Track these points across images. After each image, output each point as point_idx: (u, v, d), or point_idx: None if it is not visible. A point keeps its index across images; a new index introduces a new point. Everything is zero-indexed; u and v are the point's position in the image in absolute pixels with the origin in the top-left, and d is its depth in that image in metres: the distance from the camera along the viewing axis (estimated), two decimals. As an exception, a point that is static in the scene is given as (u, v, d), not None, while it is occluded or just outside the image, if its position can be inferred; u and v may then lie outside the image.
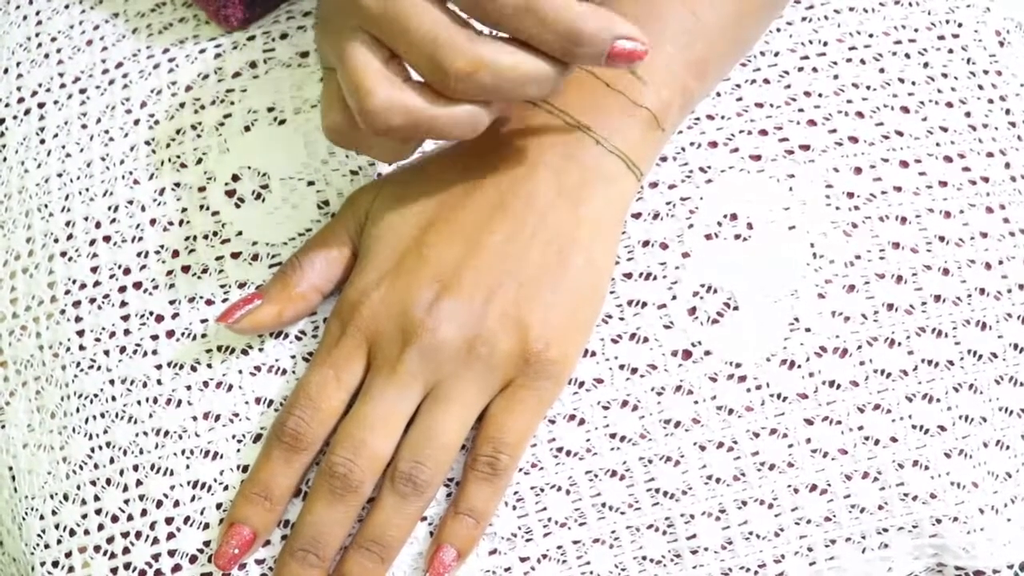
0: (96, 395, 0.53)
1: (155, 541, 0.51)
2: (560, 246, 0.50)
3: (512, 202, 0.50)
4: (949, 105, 0.57)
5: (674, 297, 0.52)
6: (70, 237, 0.56)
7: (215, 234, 0.54)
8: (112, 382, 0.53)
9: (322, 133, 0.55)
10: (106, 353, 0.53)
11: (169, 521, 0.51)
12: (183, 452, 0.51)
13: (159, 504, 0.51)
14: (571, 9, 0.45)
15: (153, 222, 0.55)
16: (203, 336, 0.53)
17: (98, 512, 0.52)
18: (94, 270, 0.55)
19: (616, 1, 0.53)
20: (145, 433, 0.52)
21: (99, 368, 0.53)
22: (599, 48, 0.45)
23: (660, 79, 0.52)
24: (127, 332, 0.53)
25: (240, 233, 0.54)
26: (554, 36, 0.45)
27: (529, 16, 0.45)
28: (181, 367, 0.52)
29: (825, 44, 0.58)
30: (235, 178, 0.55)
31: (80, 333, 0.54)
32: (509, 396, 0.50)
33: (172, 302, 0.53)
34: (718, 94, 0.56)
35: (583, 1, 0.45)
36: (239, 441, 0.51)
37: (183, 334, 0.53)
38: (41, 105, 0.60)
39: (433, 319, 0.49)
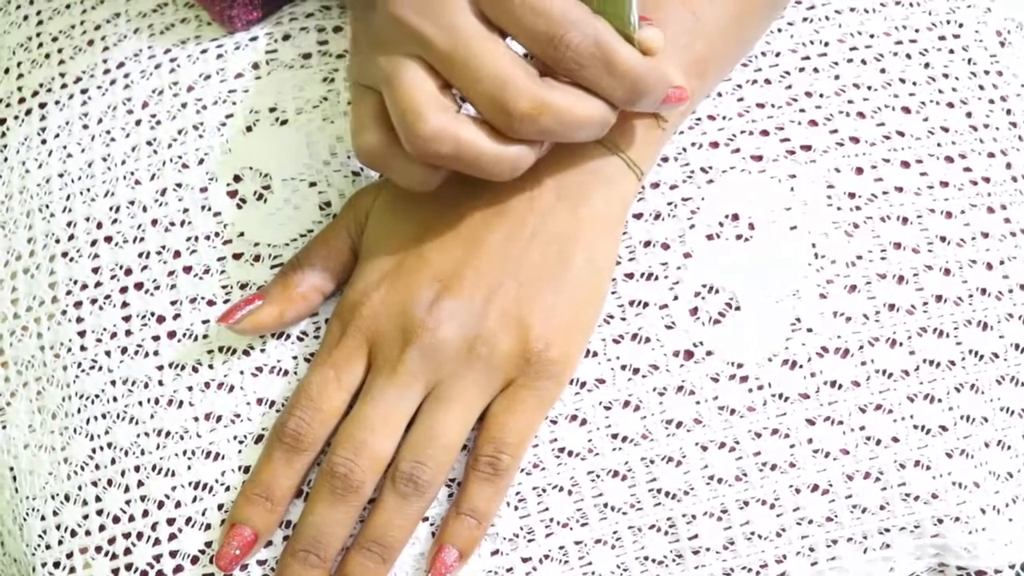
0: (97, 396, 0.53)
1: (156, 542, 0.51)
2: (561, 246, 0.50)
3: (512, 202, 0.50)
4: (950, 105, 0.57)
5: (676, 297, 0.52)
6: (71, 237, 0.56)
7: (217, 235, 0.54)
8: (113, 383, 0.53)
9: (323, 134, 0.55)
10: (107, 354, 0.53)
11: (170, 522, 0.51)
12: (184, 453, 0.51)
13: (160, 505, 0.51)
14: (641, 63, 0.47)
15: (155, 222, 0.55)
16: (204, 337, 0.53)
17: (99, 513, 0.52)
18: (95, 270, 0.55)
19: (617, 1, 0.53)
20: (146, 434, 0.52)
21: (100, 369, 0.53)
22: (658, 97, 0.48)
23: None
24: (128, 333, 0.53)
25: (242, 234, 0.54)
26: (621, 87, 0.47)
27: (602, 66, 0.46)
28: (182, 368, 0.52)
29: (826, 44, 0.58)
30: (237, 179, 0.55)
31: (81, 334, 0.54)
32: (510, 396, 0.50)
33: (174, 303, 0.53)
34: (719, 94, 0.56)
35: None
36: (240, 442, 0.51)
37: (184, 335, 0.53)
38: (42, 105, 0.60)
39: (434, 319, 0.49)
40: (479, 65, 0.46)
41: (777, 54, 0.58)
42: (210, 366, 0.52)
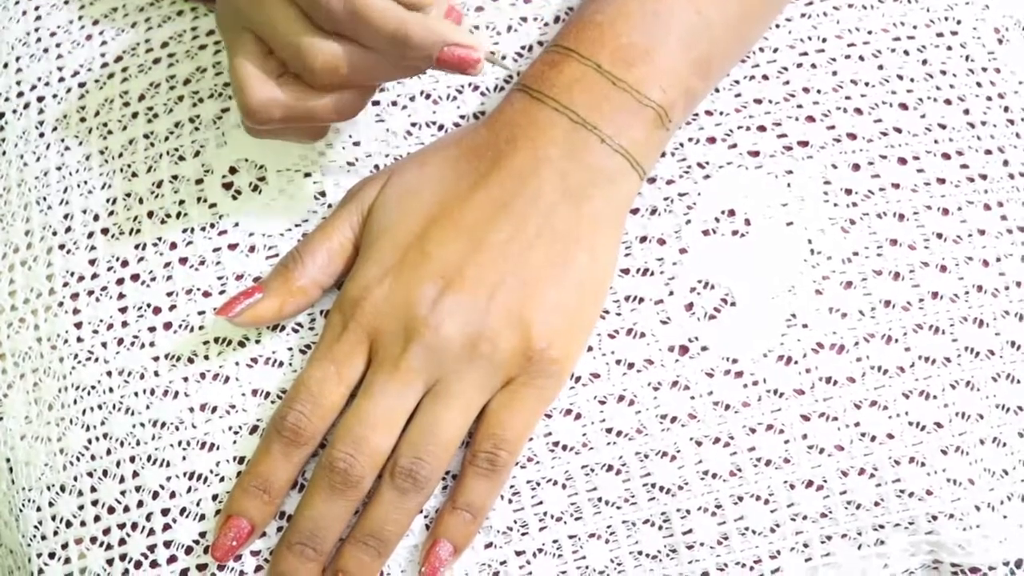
0: (94, 387, 0.53)
1: (151, 532, 0.51)
2: (564, 245, 0.50)
3: (516, 200, 0.50)
4: (947, 102, 0.57)
5: (671, 293, 0.52)
6: (68, 230, 0.56)
7: (212, 226, 0.54)
8: (110, 374, 0.53)
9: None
10: (104, 345, 0.53)
11: (165, 512, 0.51)
12: (180, 443, 0.51)
13: (155, 495, 0.51)
14: (396, 17, 0.48)
15: (151, 214, 0.55)
16: (200, 328, 0.53)
17: (95, 503, 0.52)
18: (92, 263, 0.55)
19: (621, 0, 0.53)
20: (142, 424, 0.52)
21: (97, 360, 0.53)
22: (426, 53, 0.48)
23: (664, 78, 0.52)
24: (125, 324, 0.54)
25: (237, 224, 0.54)
26: (382, 42, 0.48)
27: (358, 22, 0.48)
28: (178, 359, 0.53)
29: (824, 40, 0.58)
30: (232, 170, 0.55)
31: (78, 325, 0.54)
32: (510, 393, 0.50)
33: (170, 294, 0.54)
34: (717, 90, 0.56)
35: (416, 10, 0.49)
36: (236, 433, 0.51)
37: (180, 326, 0.53)
38: (40, 99, 0.60)
39: (436, 316, 0.49)
40: (276, 32, 0.49)
41: (775, 50, 0.58)
42: (205, 357, 0.52)
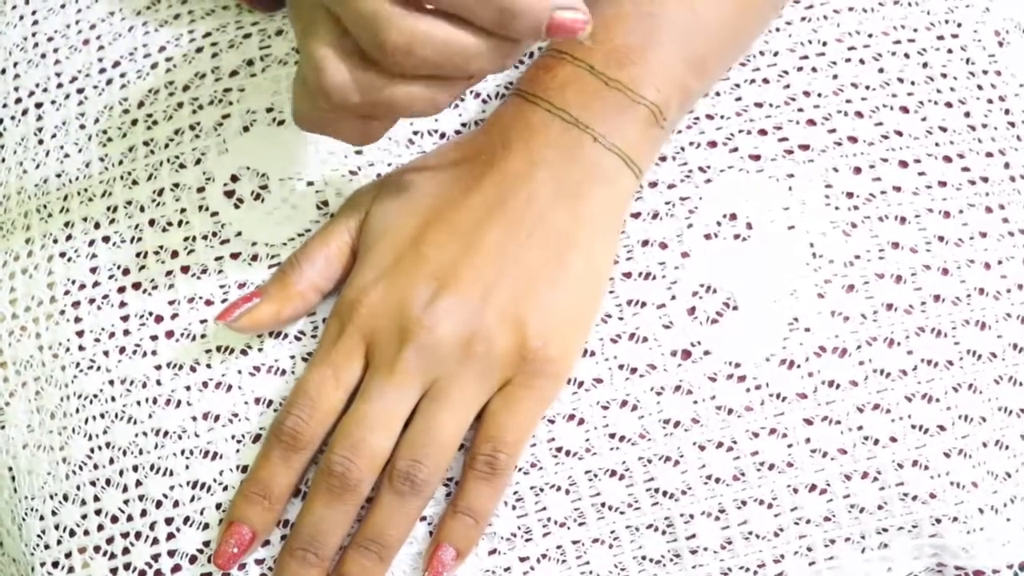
0: (96, 395, 0.53)
1: (155, 541, 0.51)
2: (558, 245, 0.50)
3: (510, 201, 0.50)
4: (948, 105, 0.57)
5: (673, 297, 0.52)
6: (69, 238, 0.56)
7: (214, 234, 0.54)
8: (112, 382, 0.53)
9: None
10: (105, 353, 0.53)
11: (169, 521, 0.51)
12: (183, 452, 0.51)
13: (159, 504, 0.51)
14: None
15: (152, 223, 0.55)
16: (202, 336, 0.53)
17: (98, 512, 0.52)
18: (93, 270, 0.55)
19: (617, 3, 0.53)
20: (145, 433, 0.52)
21: (98, 368, 0.53)
22: (536, 20, 0.44)
23: (659, 76, 0.52)
24: (126, 332, 0.53)
25: (239, 233, 0.54)
26: (487, 10, 0.44)
27: None
28: (180, 367, 0.52)
29: (824, 44, 0.58)
30: (234, 178, 0.55)
31: (79, 334, 0.54)
32: (508, 395, 0.50)
33: (171, 302, 0.53)
34: (717, 94, 0.56)
35: None
36: (238, 441, 0.51)
37: (182, 334, 0.53)
38: (39, 106, 0.60)
39: (430, 317, 0.49)
40: (354, 3, 0.44)
41: (775, 53, 0.57)
42: (208, 366, 0.52)
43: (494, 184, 0.51)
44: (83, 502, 0.52)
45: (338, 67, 0.45)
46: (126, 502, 0.52)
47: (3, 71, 0.61)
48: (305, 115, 0.48)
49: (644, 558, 0.50)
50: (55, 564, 0.52)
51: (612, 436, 0.51)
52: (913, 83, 0.57)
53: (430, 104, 0.46)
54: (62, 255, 0.56)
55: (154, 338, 0.53)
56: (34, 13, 0.62)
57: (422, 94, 0.46)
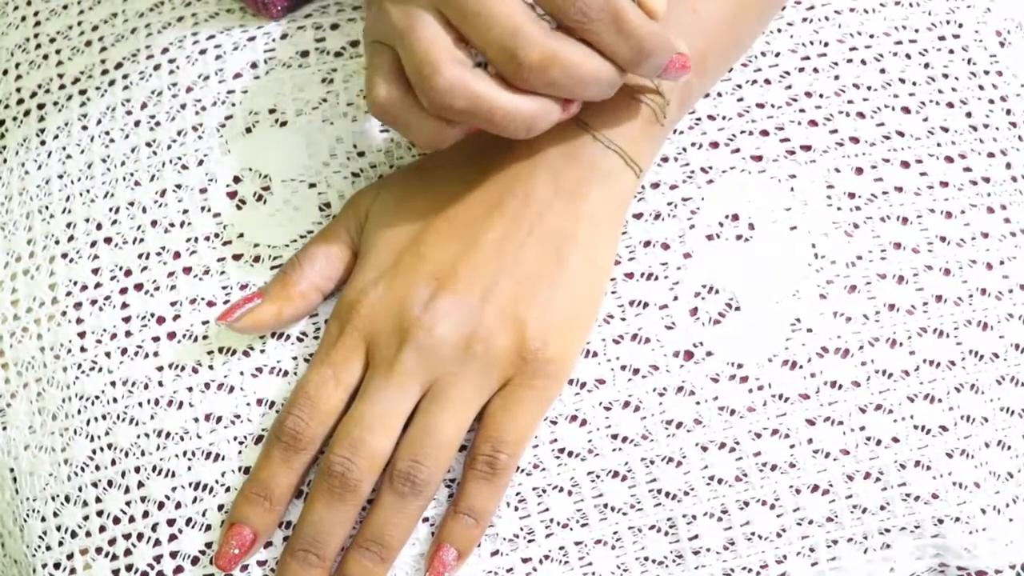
0: (97, 397, 0.53)
1: (157, 543, 0.51)
2: (558, 244, 0.50)
3: (510, 200, 0.50)
4: (950, 105, 0.57)
5: (676, 298, 0.52)
6: (71, 239, 0.56)
7: (216, 236, 0.54)
8: (113, 384, 0.53)
9: (323, 135, 0.55)
10: (107, 355, 0.53)
11: (171, 523, 0.51)
12: (184, 454, 0.51)
13: (161, 506, 0.51)
14: (647, 24, 0.47)
15: (154, 223, 0.55)
16: (204, 338, 0.53)
17: (100, 514, 0.52)
18: (95, 271, 0.55)
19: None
20: (147, 435, 0.52)
21: (100, 370, 0.53)
22: (662, 61, 0.48)
23: None
24: (128, 334, 0.53)
25: (242, 235, 0.54)
26: (627, 45, 0.47)
27: (610, 24, 0.47)
28: (182, 369, 0.52)
29: (826, 45, 0.58)
30: (237, 180, 0.55)
31: (81, 335, 0.54)
32: (507, 395, 0.50)
33: (173, 304, 0.53)
34: (719, 94, 0.56)
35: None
36: (240, 443, 0.51)
37: (184, 336, 0.53)
38: (41, 106, 0.60)
39: (429, 317, 0.49)
40: (492, 15, 0.46)
41: (777, 54, 0.58)
42: (210, 367, 0.52)
43: (493, 182, 0.51)
44: (85, 503, 0.52)
45: (451, 68, 0.46)
46: (128, 503, 0.52)
47: (5, 72, 0.61)
48: (387, 103, 0.48)
49: (647, 559, 0.50)
50: (57, 565, 0.52)
51: (614, 437, 0.51)
52: (915, 83, 0.57)
53: (527, 124, 0.48)
54: (64, 256, 0.56)
55: (156, 339, 0.53)
56: (36, 15, 0.62)
57: (525, 112, 0.47)
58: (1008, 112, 0.58)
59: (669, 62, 0.48)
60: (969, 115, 0.57)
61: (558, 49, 0.46)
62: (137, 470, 0.52)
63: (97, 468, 0.52)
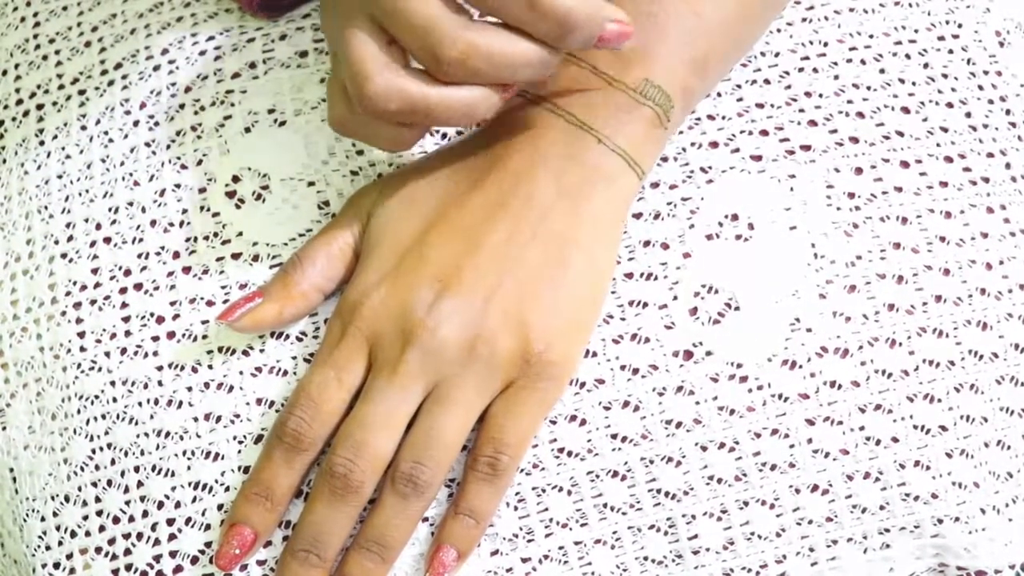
0: (97, 396, 0.53)
1: (156, 542, 0.51)
2: (560, 246, 0.50)
3: (513, 202, 0.50)
4: (949, 105, 0.57)
5: (675, 297, 0.52)
6: (70, 239, 0.56)
7: (216, 235, 0.54)
8: (113, 383, 0.53)
9: (322, 134, 0.55)
10: (107, 354, 0.53)
11: (170, 522, 0.51)
12: (184, 453, 0.51)
13: (160, 505, 0.51)
14: (565, 1, 0.46)
15: (153, 223, 0.55)
16: (204, 337, 0.53)
17: (99, 513, 0.52)
18: (95, 271, 0.55)
19: (618, 4, 0.53)
20: (146, 434, 0.52)
21: (100, 369, 0.53)
22: (591, 33, 0.47)
23: (662, 77, 0.52)
24: (128, 333, 0.53)
25: (241, 234, 0.54)
26: (547, 25, 0.47)
27: (523, 5, 0.46)
28: (182, 368, 0.52)
29: (825, 45, 0.58)
30: (235, 179, 0.55)
31: (81, 334, 0.54)
32: (510, 397, 0.50)
33: (173, 303, 0.53)
34: (719, 94, 0.56)
35: None
36: (240, 442, 0.51)
37: (184, 335, 0.53)
38: (40, 107, 0.60)
39: (433, 319, 0.49)
40: (407, 12, 0.46)
41: (776, 54, 0.58)
42: (210, 366, 0.52)
43: (496, 183, 0.51)
44: (84, 503, 0.52)
45: (379, 74, 0.47)
46: (128, 503, 0.52)
47: (4, 72, 0.61)
48: (341, 119, 0.49)
49: (646, 559, 0.50)
50: (56, 565, 0.52)
51: (614, 437, 0.51)
52: (914, 84, 0.57)
53: (467, 113, 0.48)
54: (63, 256, 0.56)
55: (155, 339, 0.53)
56: (36, 15, 0.62)
57: (462, 102, 0.48)
58: (1007, 112, 0.58)
59: (606, 32, 0.47)
60: (969, 115, 0.57)
61: (476, 40, 0.46)
62: (137, 469, 0.52)
63: (97, 468, 0.52)
